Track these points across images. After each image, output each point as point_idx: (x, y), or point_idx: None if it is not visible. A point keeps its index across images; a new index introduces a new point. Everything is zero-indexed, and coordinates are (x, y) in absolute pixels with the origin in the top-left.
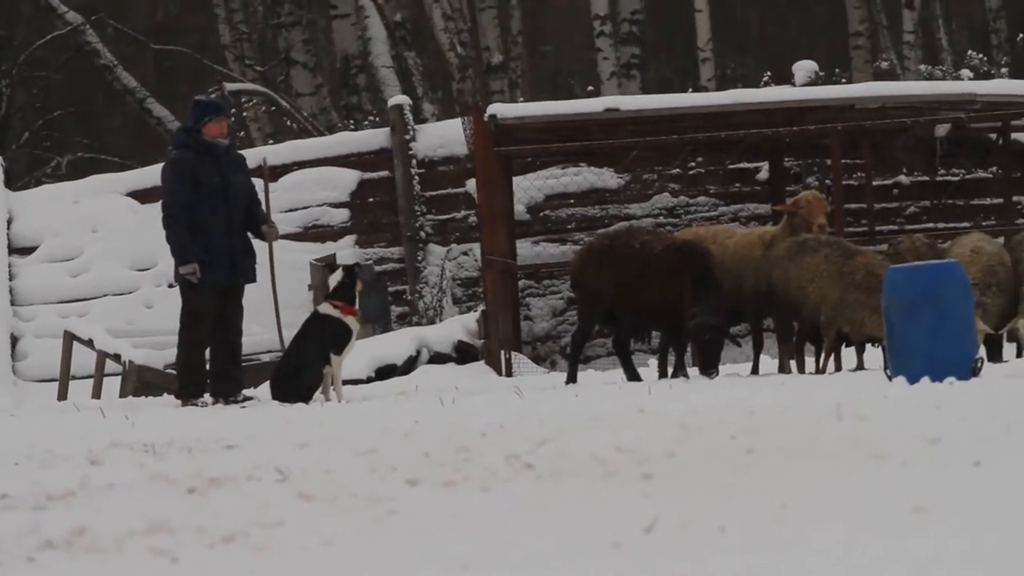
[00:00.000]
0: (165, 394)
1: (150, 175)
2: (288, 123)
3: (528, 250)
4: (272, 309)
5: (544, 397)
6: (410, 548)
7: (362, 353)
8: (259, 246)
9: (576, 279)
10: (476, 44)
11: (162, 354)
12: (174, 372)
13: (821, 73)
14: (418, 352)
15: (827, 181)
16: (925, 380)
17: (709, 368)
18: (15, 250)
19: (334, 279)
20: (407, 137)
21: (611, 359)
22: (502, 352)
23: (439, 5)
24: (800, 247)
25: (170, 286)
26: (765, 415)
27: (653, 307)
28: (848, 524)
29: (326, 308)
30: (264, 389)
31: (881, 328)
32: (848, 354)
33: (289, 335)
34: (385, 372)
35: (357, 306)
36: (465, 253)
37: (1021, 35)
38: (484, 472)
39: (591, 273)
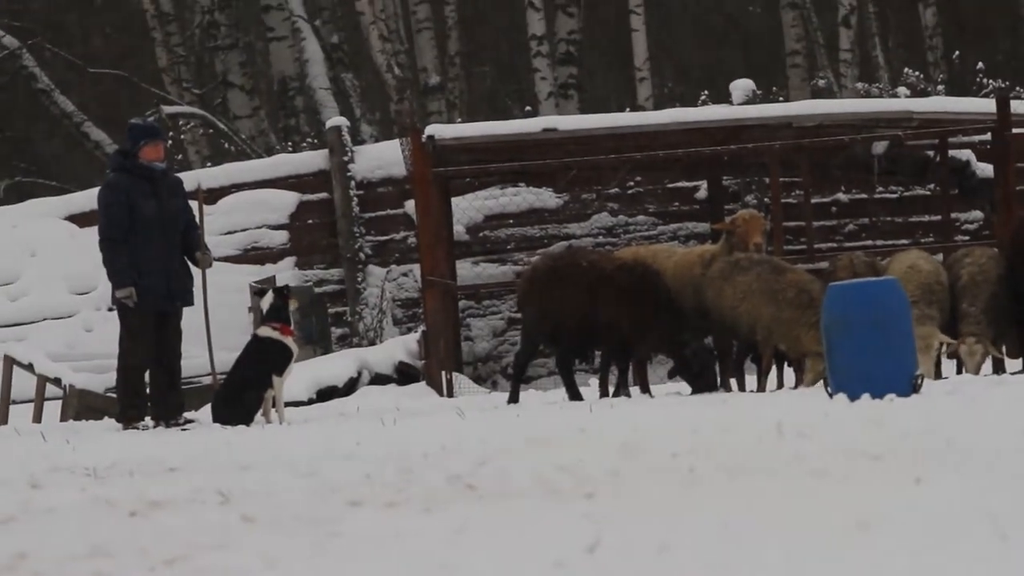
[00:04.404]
0: (106, 417)
1: (88, 199)
2: (226, 145)
3: (468, 271)
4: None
5: (485, 417)
6: (352, 570)
7: (303, 375)
8: (196, 270)
9: (523, 299)
10: (413, 65)
11: (102, 378)
12: (115, 396)
13: (758, 92)
14: (359, 373)
15: (766, 199)
16: (866, 397)
17: (709, 390)
18: None
19: (266, 302)
20: (345, 159)
21: (552, 379)
22: (443, 373)
23: (376, 26)
24: (732, 267)
25: (109, 310)
26: (707, 433)
27: (602, 327)
28: (790, 541)
29: (265, 331)
30: (205, 412)
31: (817, 343)
32: (789, 372)
33: (228, 357)
34: (326, 394)
35: (293, 327)
36: (405, 274)
37: (957, 52)
38: (426, 493)
39: (538, 294)
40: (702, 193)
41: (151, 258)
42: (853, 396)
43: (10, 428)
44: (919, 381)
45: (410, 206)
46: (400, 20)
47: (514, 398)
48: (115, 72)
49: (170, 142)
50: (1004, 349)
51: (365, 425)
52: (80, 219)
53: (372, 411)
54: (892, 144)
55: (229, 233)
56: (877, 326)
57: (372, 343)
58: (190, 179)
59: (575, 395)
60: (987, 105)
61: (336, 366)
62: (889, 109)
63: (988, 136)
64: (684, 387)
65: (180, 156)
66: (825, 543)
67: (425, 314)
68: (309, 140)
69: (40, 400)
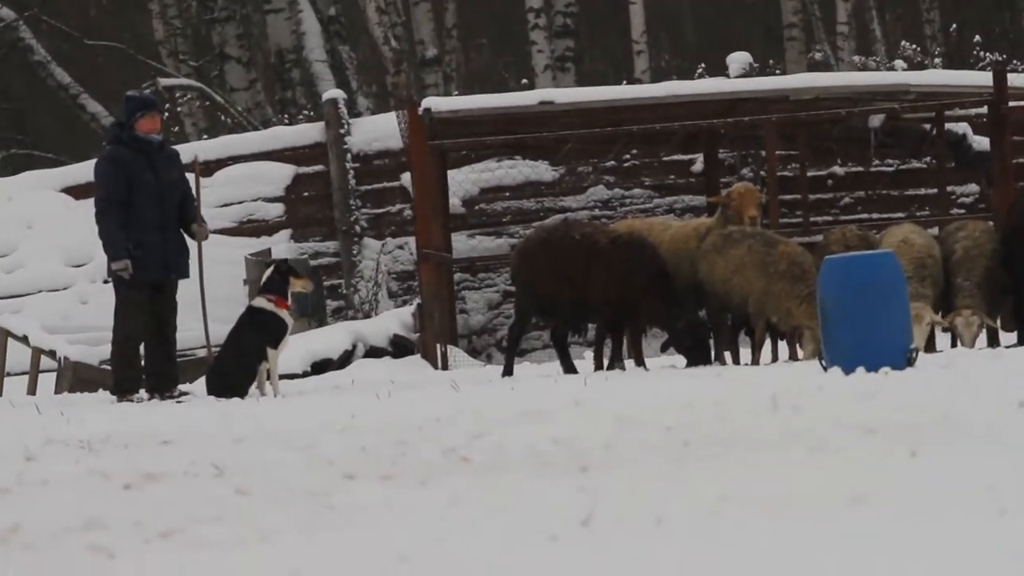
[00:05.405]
0: (101, 390)
1: (84, 171)
2: (223, 118)
3: (463, 243)
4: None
5: (480, 390)
6: (347, 542)
7: (297, 347)
8: (192, 242)
9: (516, 272)
10: (410, 38)
11: (97, 350)
12: (109, 368)
13: (755, 64)
14: (354, 346)
15: (762, 172)
16: (860, 370)
17: (704, 363)
18: None
19: (266, 274)
20: (342, 131)
21: (547, 352)
22: (438, 345)
23: None
24: (725, 240)
25: (104, 282)
26: (701, 407)
27: (596, 300)
28: (785, 514)
29: (260, 302)
30: (200, 384)
31: (808, 316)
32: (784, 345)
33: (223, 330)
34: (321, 366)
35: (289, 299)
36: (400, 247)
37: (954, 25)
38: (421, 466)
39: (531, 266)
40: (698, 166)
41: (147, 230)
42: (848, 369)
43: (5, 400)
44: (914, 354)
45: (406, 179)
46: None
47: (509, 371)
48: (112, 44)
49: (166, 114)
50: (999, 322)
51: (360, 398)
52: (76, 191)
53: (367, 384)
54: (889, 117)
55: (225, 205)
56: (873, 299)
57: (367, 316)
58: (186, 151)
59: (570, 368)
60: (984, 78)
61: (331, 339)
62: (886, 82)
63: (985, 109)
64: (679, 360)
65: (176, 128)
66: (820, 516)
67: (420, 287)
68: (305, 113)
69: (35, 372)
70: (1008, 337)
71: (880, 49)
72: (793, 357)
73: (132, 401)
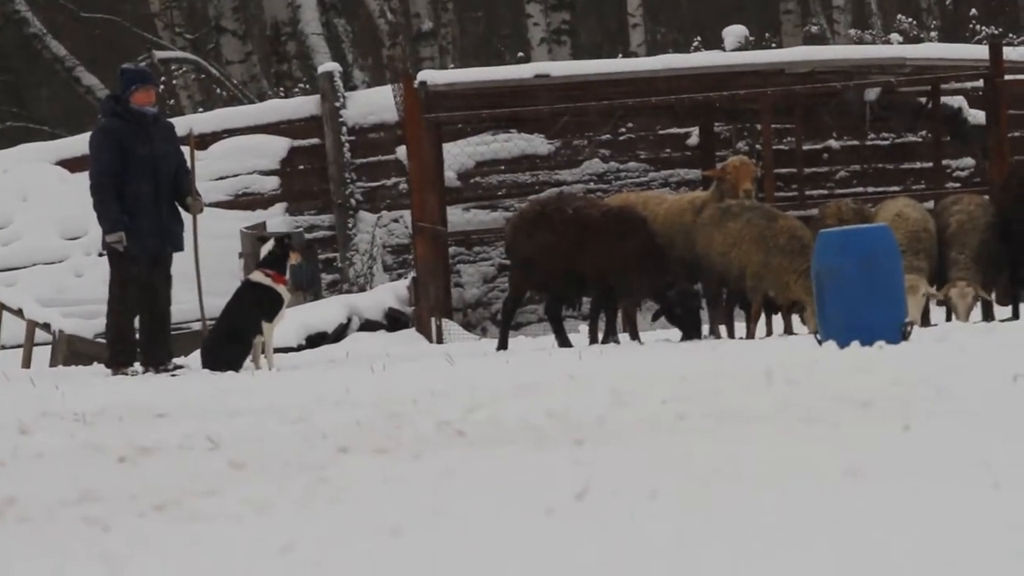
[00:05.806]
0: (95, 363)
1: (79, 144)
2: (218, 91)
3: (459, 217)
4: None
5: (475, 364)
6: (342, 515)
7: (293, 321)
8: (187, 215)
9: (510, 245)
10: (406, 11)
11: (92, 323)
12: (104, 341)
13: (751, 38)
14: (349, 320)
15: (757, 146)
16: (855, 344)
17: (694, 335)
18: None
19: (265, 248)
20: (337, 104)
21: (541, 325)
22: (433, 319)
23: None
24: (723, 213)
25: (100, 255)
26: (696, 380)
27: (588, 273)
28: (780, 487)
29: (257, 276)
30: (195, 358)
31: (807, 291)
32: (778, 319)
33: (218, 303)
34: (316, 340)
35: (288, 275)
36: (396, 220)
37: None
38: (415, 439)
39: (525, 239)
40: (693, 140)
41: (142, 203)
42: (842, 343)
43: None
44: (909, 328)
45: (401, 152)
46: None
47: (503, 344)
48: (107, 17)
49: (162, 87)
50: (993, 296)
51: (355, 371)
52: (71, 164)
53: (362, 357)
54: (884, 91)
55: (220, 179)
56: (867, 273)
57: (362, 289)
58: (182, 124)
59: (564, 342)
60: (980, 51)
61: (326, 312)
62: (881, 55)
63: (980, 83)
64: (673, 334)
65: (172, 101)
66: (815, 489)
67: (415, 260)
68: (301, 86)
69: (29, 345)
70: (1003, 311)
71: (876, 22)
72: (788, 331)
73: (127, 374)
